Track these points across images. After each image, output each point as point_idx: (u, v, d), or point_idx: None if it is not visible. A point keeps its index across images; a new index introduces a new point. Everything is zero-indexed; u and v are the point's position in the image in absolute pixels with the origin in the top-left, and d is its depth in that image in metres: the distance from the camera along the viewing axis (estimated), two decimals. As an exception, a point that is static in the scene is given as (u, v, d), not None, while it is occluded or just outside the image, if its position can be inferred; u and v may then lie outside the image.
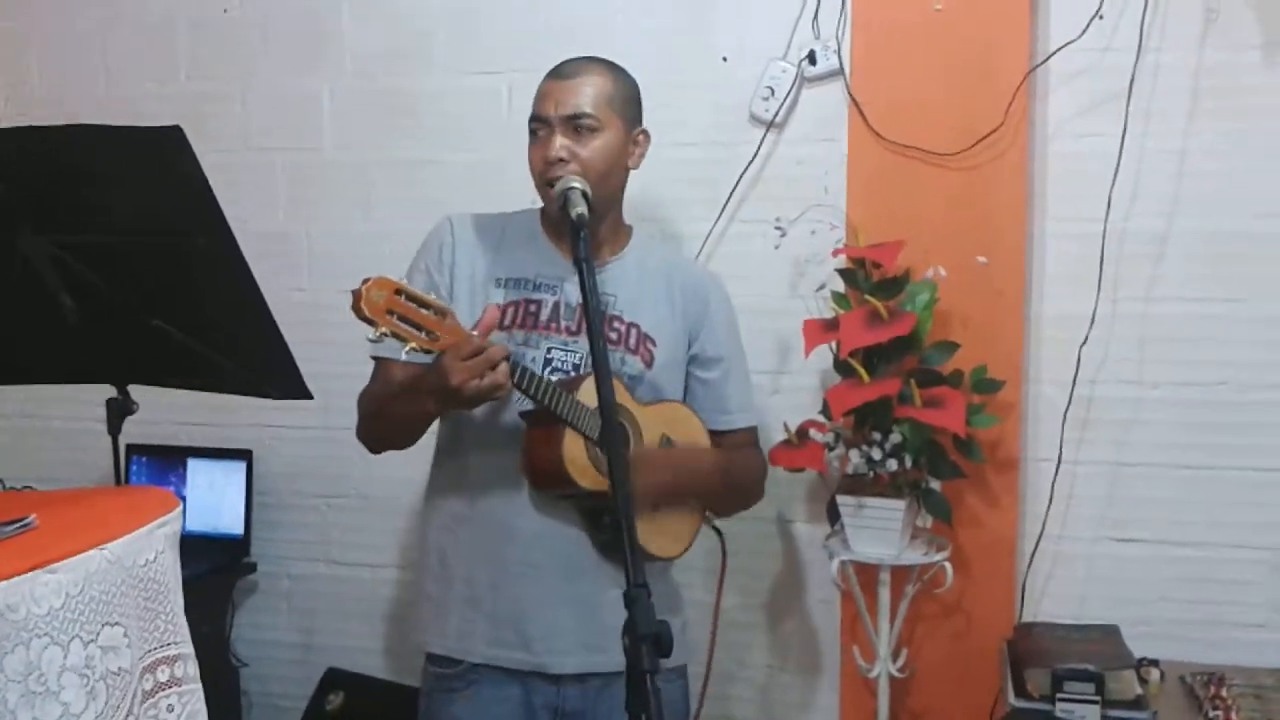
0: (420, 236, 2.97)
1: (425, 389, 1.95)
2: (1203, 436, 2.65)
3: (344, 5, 3.06)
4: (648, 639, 1.51)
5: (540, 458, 2.03)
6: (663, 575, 2.21)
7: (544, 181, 2.08)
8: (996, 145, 2.62)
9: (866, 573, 2.59)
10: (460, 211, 2.25)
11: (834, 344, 2.57)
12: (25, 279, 1.86)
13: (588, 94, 2.09)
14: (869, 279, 2.57)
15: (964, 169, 2.64)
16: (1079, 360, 2.66)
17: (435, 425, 2.18)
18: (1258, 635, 2.62)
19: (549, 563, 2.09)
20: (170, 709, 1.52)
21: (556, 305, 2.14)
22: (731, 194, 2.82)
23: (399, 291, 1.77)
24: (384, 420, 2.15)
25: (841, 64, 2.73)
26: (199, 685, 1.57)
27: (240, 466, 3.12)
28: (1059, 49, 2.64)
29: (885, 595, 2.56)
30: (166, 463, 3.17)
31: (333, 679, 3.10)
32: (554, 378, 2.07)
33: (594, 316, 1.78)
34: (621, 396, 2.07)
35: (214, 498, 3.13)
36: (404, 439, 2.17)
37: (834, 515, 2.59)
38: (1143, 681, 2.41)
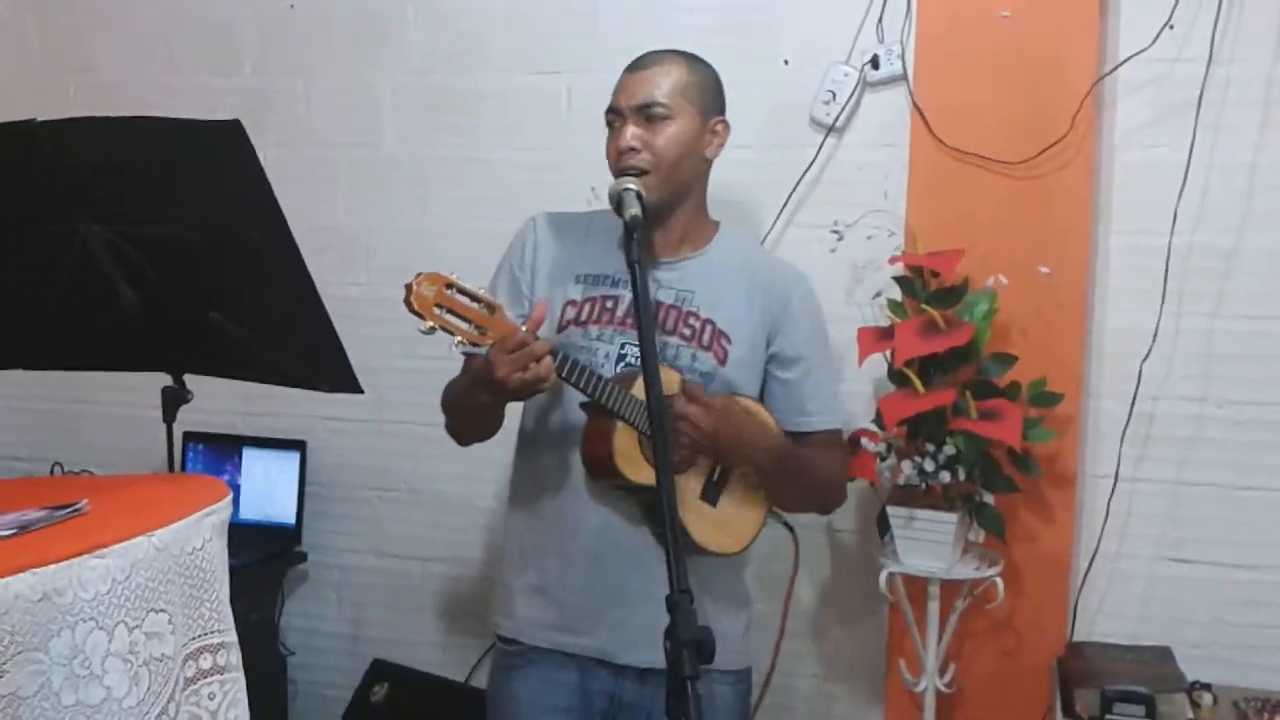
0: (475, 233, 3.01)
1: (478, 381, 1.98)
2: (1266, 457, 2.59)
3: (406, 4, 3.08)
4: (689, 644, 1.49)
5: (593, 449, 2.05)
6: (733, 571, 2.21)
7: (618, 172, 2.09)
8: (1062, 154, 2.58)
9: (916, 585, 2.55)
10: (545, 210, 2.27)
11: (889, 353, 2.54)
12: (85, 267, 1.90)
13: (660, 83, 2.10)
14: (926, 287, 2.54)
15: (1027, 178, 2.60)
16: (1140, 376, 2.61)
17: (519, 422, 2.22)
18: (1316, 662, 2.56)
19: (612, 556, 2.10)
20: (211, 696, 1.53)
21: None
22: (789, 197, 2.80)
23: (449, 286, 1.81)
24: (455, 412, 2.19)
25: (905, 69, 2.70)
26: (241, 674, 1.58)
27: (294, 457, 3.15)
28: (1128, 58, 2.59)
29: (934, 609, 2.52)
30: (222, 451, 3.20)
31: (379, 670, 3.12)
32: (634, 368, 2.08)
33: (645, 316, 1.78)
34: (674, 386, 2.05)
35: (267, 487, 3.16)
36: (475, 431, 2.21)
37: (884, 526, 2.56)
38: (1195, 705, 2.37)
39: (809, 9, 2.79)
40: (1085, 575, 2.67)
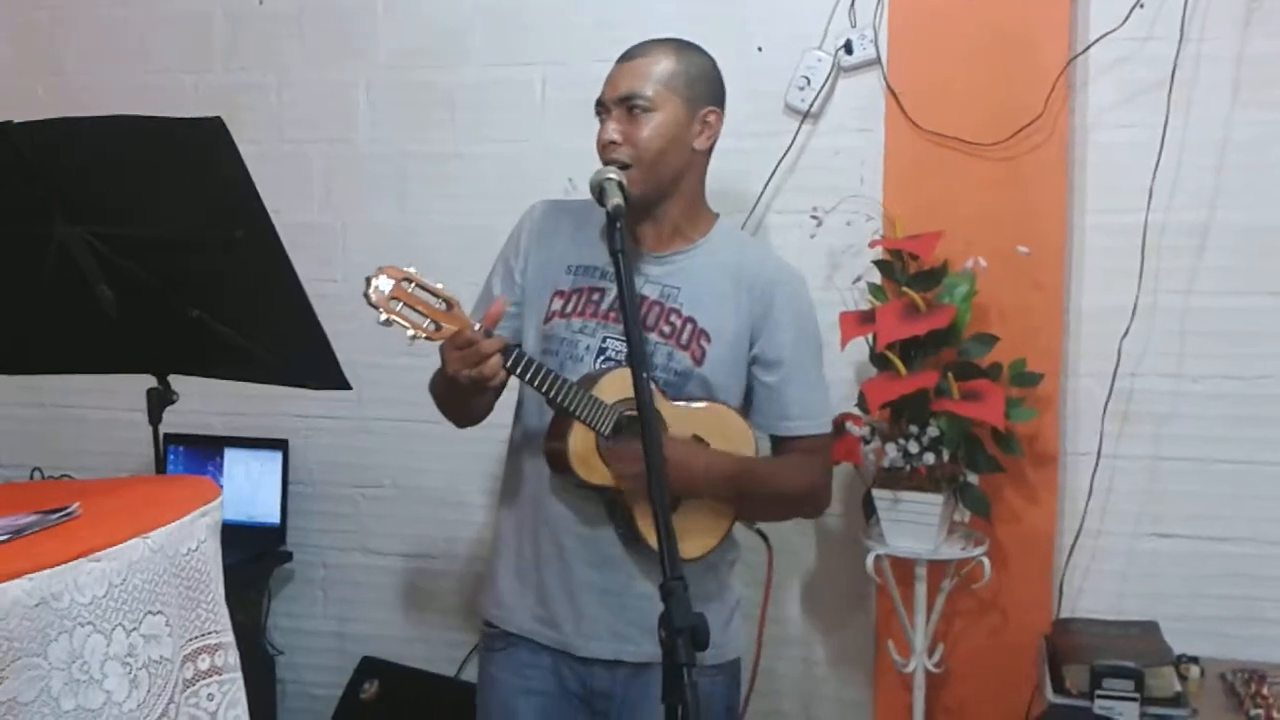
0: (453, 228, 3.00)
1: (440, 373, 2.01)
2: (1244, 430, 2.62)
3: (377, -2, 3.07)
4: (684, 632, 1.49)
5: (550, 445, 2.06)
6: (711, 567, 2.17)
7: (603, 163, 2.07)
8: (1035, 135, 2.60)
9: (902, 567, 2.57)
10: (545, 199, 2.27)
11: (870, 336, 2.55)
12: (63, 269, 1.88)
13: (645, 74, 2.07)
14: (906, 271, 2.56)
15: (1003, 159, 2.62)
16: (1119, 353, 2.64)
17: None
18: (1300, 632, 2.59)
19: (575, 548, 2.11)
20: (210, 697, 1.53)
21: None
22: (767, 185, 2.81)
23: (408, 280, 1.82)
24: (436, 398, 2.18)
25: (878, 53, 2.71)
26: (239, 674, 1.58)
27: (276, 456, 3.14)
28: (1099, 38, 2.61)
29: (921, 590, 2.54)
30: (203, 452, 3.19)
31: (367, 667, 3.11)
32: (606, 366, 2.07)
33: (630, 309, 1.76)
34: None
35: (250, 487, 3.15)
36: (458, 416, 2.19)
37: (870, 509, 2.58)
38: (1182, 678, 2.39)
39: (782, -5, 2.79)
40: (1070, 552, 2.70)
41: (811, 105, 2.77)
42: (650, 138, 2.05)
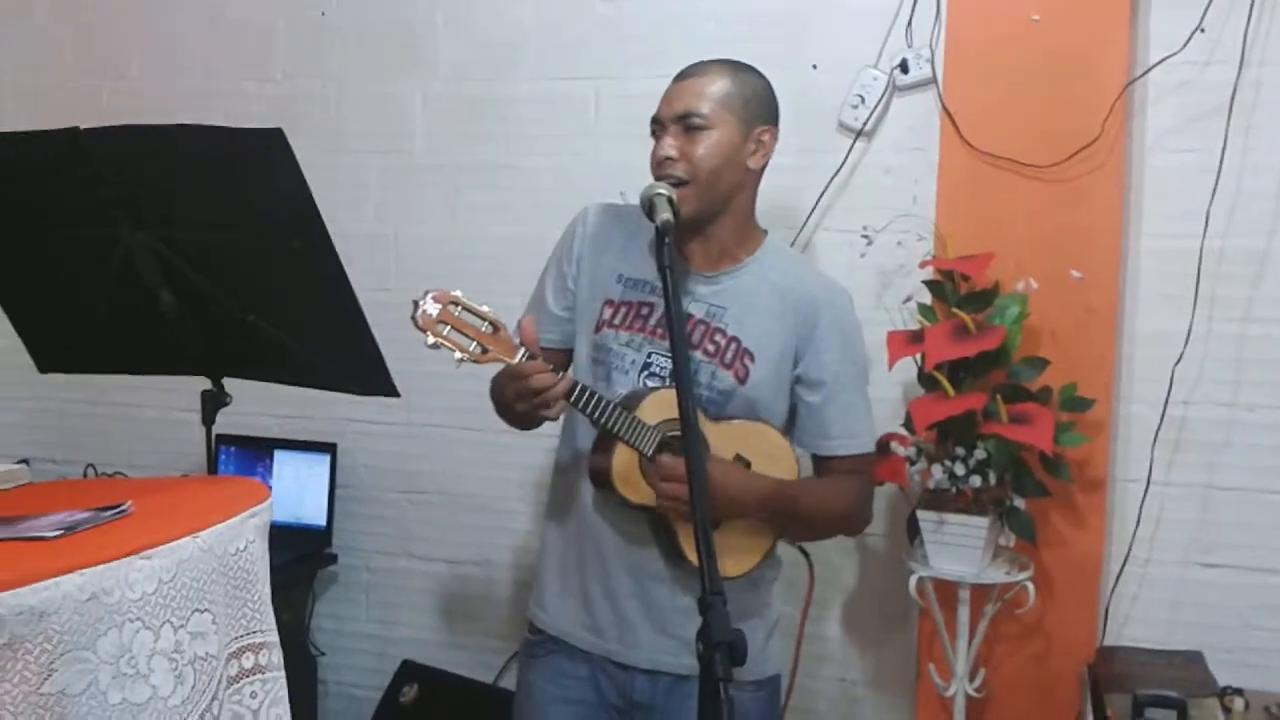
0: (504, 239, 3.03)
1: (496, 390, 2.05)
2: (1298, 462, 2.58)
3: (437, 12, 3.11)
4: (721, 647, 1.49)
5: (594, 464, 2.08)
6: (752, 587, 2.17)
7: (657, 180, 2.08)
8: (1092, 158, 2.58)
9: (946, 590, 2.55)
10: (601, 202, 2.27)
11: (919, 356, 2.54)
12: (126, 273, 1.92)
13: (701, 93, 2.08)
14: (957, 291, 2.54)
15: (1058, 181, 2.60)
16: (1172, 380, 2.60)
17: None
18: (1348, 667, 2.55)
19: (617, 560, 2.13)
20: (254, 695, 1.55)
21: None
22: (818, 202, 2.81)
23: (454, 303, 1.85)
24: (500, 408, 2.18)
25: (934, 73, 2.70)
26: (282, 673, 1.60)
27: (325, 459, 3.17)
28: (1159, 62, 2.59)
29: (964, 614, 2.52)
30: (254, 453, 3.23)
31: (408, 671, 3.14)
32: (650, 383, 2.09)
33: (677, 325, 1.77)
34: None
35: (298, 489, 3.19)
36: (521, 423, 2.18)
37: (914, 530, 2.56)
38: (1226, 710, 2.35)
39: (837, 14, 2.79)
40: (1116, 580, 2.66)
41: (865, 124, 2.76)
42: (706, 156, 2.06)
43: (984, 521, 2.45)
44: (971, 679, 2.56)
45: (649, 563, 2.12)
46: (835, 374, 2.15)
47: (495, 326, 1.89)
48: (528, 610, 2.28)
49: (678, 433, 1.98)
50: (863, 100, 2.76)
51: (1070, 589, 2.65)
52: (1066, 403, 2.51)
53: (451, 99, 3.11)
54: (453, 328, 1.84)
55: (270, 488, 3.03)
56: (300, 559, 3.11)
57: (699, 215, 2.08)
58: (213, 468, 2.29)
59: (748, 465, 2.12)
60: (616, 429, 1.99)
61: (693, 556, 2.03)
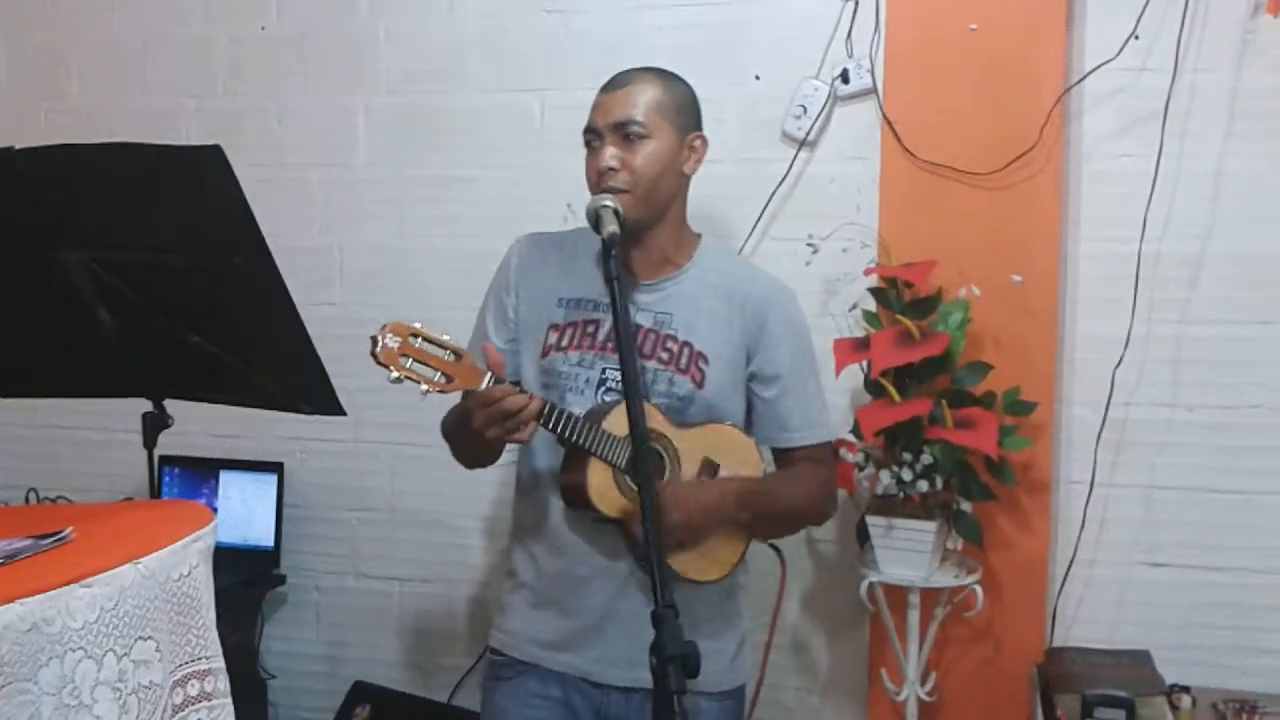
0: (450, 251, 3.02)
1: (461, 421, 2.00)
2: (1236, 460, 2.62)
3: (379, 24, 3.09)
4: (675, 660, 1.50)
5: (567, 481, 2.06)
6: (723, 594, 2.19)
7: (597, 192, 2.09)
8: (1030, 165, 2.61)
9: (896, 595, 2.57)
10: (531, 232, 2.28)
11: (865, 363, 2.56)
12: (64, 294, 1.90)
13: (636, 102, 2.09)
14: (901, 298, 2.57)
15: (997, 189, 2.63)
16: (1113, 382, 2.64)
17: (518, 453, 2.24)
18: (1292, 662, 2.59)
19: (596, 579, 2.12)
20: (200, 722, 1.53)
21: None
22: (763, 212, 2.82)
23: (414, 335, 1.82)
24: (457, 442, 2.20)
25: (875, 82, 2.73)
26: (229, 700, 1.58)
27: (271, 479, 3.14)
28: (1094, 69, 2.63)
29: (914, 618, 2.54)
30: (199, 474, 3.19)
31: (360, 692, 3.11)
32: (608, 398, 2.09)
33: (625, 339, 1.79)
34: (655, 419, 2.06)
35: (245, 510, 3.15)
36: (481, 457, 2.20)
37: (863, 536, 2.58)
38: (1174, 708, 2.39)
39: (779, 25, 2.81)
40: (1063, 581, 2.70)
41: (808, 133, 2.78)
42: (645, 164, 2.08)
43: (932, 526, 2.47)
44: (923, 683, 2.58)
45: (624, 576, 2.10)
46: (788, 367, 2.19)
47: (457, 354, 1.87)
48: (490, 636, 2.25)
49: (651, 445, 2.01)
50: (805, 110, 2.78)
51: (1018, 591, 2.68)
52: (1010, 407, 2.54)
53: (395, 111, 3.10)
54: (415, 359, 1.82)
55: (215, 510, 3.01)
56: (248, 580, 3.07)
57: (640, 223, 2.09)
58: (156, 490, 2.26)
59: (716, 468, 2.14)
60: (589, 445, 1.99)
61: (678, 565, 2.07)
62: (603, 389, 2.11)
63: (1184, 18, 2.59)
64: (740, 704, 2.27)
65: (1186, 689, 2.45)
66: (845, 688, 2.87)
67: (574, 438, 1.98)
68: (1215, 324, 2.63)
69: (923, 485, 2.44)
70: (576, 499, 2.05)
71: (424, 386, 1.83)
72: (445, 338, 1.86)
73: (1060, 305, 2.67)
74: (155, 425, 2.03)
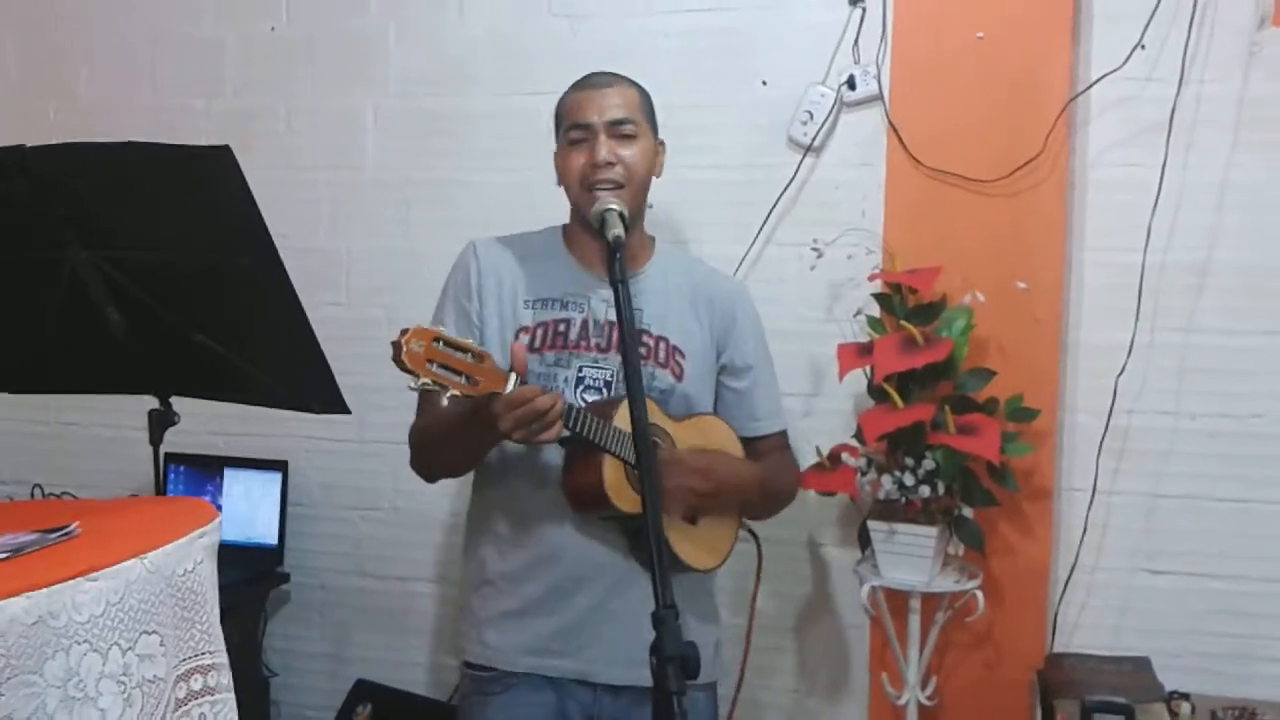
0: (457, 256, 3.02)
1: (478, 425, 1.97)
2: (1239, 469, 2.63)
3: (389, 27, 3.10)
4: (674, 660, 1.51)
5: (580, 483, 2.05)
6: (704, 587, 2.24)
7: (587, 186, 2.11)
8: (1036, 173, 2.62)
9: (897, 599, 2.58)
10: (483, 236, 2.29)
11: (868, 368, 2.57)
12: (73, 292, 1.91)
13: (623, 102, 2.14)
14: (905, 304, 2.58)
15: (1002, 196, 2.64)
16: (1116, 390, 2.65)
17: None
18: (1292, 670, 2.60)
19: (596, 578, 2.12)
20: (203, 717, 1.54)
21: (585, 323, 2.17)
22: (768, 216, 2.83)
23: (437, 339, 1.79)
24: (444, 451, 2.18)
25: (881, 89, 2.74)
26: (232, 695, 1.59)
27: (276, 477, 3.15)
28: (1100, 78, 2.64)
29: (915, 622, 2.55)
30: (203, 472, 3.20)
31: (362, 691, 3.11)
32: (588, 396, 2.09)
33: (630, 339, 1.79)
34: (654, 414, 2.09)
35: (249, 507, 3.16)
36: (464, 467, 2.22)
37: (865, 540, 2.59)
38: (1173, 715, 2.40)
39: (786, 31, 2.82)
40: (1064, 587, 2.70)
41: (814, 139, 2.79)
42: (636, 162, 2.14)
43: (933, 531, 2.47)
44: (923, 687, 2.59)
45: (627, 573, 2.10)
46: (756, 359, 2.29)
47: (480, 357, 1.85)
48: (465, 650, 2.23)
49: (654, 438, 2.03)
50: (811, 116, 2.79)
51: (1019, 597, 2.68)
52: (1013, 413, 2.55)
53: (404, 114, 3.11)
54: (439, 364, 1.79)
55: (219, 507, 3.03)
56: (252, 578, 3.08)
57: (628, 221, 2.10)
58: (161, 487, 2.28)
59: None
60: (604, 442, 1.99)
61: (681, 553, 2.11)
62: (581, 387, 2.13)
63: (1190, 28, 2.59)
64: (714, 699, 2.31)
65: (1186, 696, 2.46)
66: (846, 692, 2.88)
67: (592, 436, 1.98)
68: (1219, 333, 2.64)
69: (925, 490, 2.45)
70: (591, 500, 2.04)
71: (452, 390, 1.80)
72: (467, 341, 1.85)
73: (1064, 312, 2.68)
74: (161, 422, 2.05)
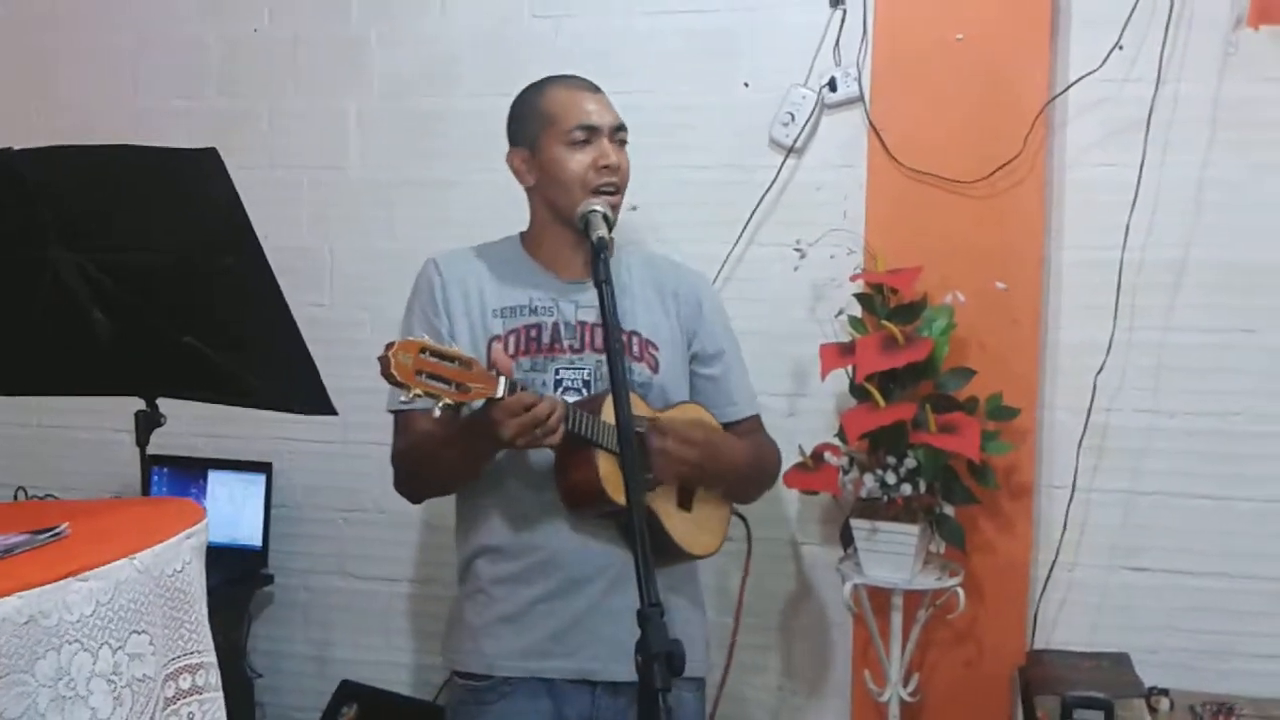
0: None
1: (477, 435, 1.96)
2: (1217, 466, 2.66)
3: (371, 28, 3.11)
4: (660, 657, 1.52)
5: (577, 480, 2.04)
6: (691, 574, 2.26)
7: (591, 189, 2.11)
8: (1015, 173, 2.65)
9: (879, 597, 2.60)
10: (441, 251, 2.28)
11: (850, 368, 2.59)
12: (57, 294, 1.92)
13: (613, 107, 2.18)
14: (886, 304, 2.60)
15: (982, 197, 2.67)
16: (1094, 388, 2.67)
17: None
18: (1268, 665, 2.63)
19: (594, 577, 2.12)
20: (191, 716, 1.54)
21: (555, 326, 2.17)
22: (751, 217, 2.85)
23: (424, 350, 1.77)
24: (437, 468, 2.14)
25: (862, 91, 2.76)
26: (220, 694, 1.59)
27: (260, 479, 3.15)
28: (1078, 79, 2.67)
29: (897, 620, 2.57)
30: (187, 474, 3.19)
31: (347, 691, 3.11)
32: (568, 398, 2.10)
33: (614, 337, 1.80)
34: (639, 406, 2.10)
35: (233, 509, 3.15)
36: (460, 482, 2.18)
37: (847, 539, 2.61)
38: (1152, 710, 2.42)
39: (768, 33, 2.84)
40: (1044, 584, 2.73)
41: (796, 141, 2.81)
42: (627, 167, 2.18)
43: (915, 529, 2.49)
44: (905, 684, 2.61)
45: (621, 567, 2.08)
46: (725, 345, 2.32)
47: (468, 364, 1.83)
48: (455, 659, 2.20)
49: (639, 429, 2.04)
50: (793, 118, 2.81)
51: (1000, 594, 2.71)
52: (993, 412, 2.57)
53: (387, 114, 3.11)
54: (428, 374, 1.77)
55: (205, 508, 3.02)
56: (236, 580, 3.07)
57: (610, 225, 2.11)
58: (145, 488, 2.27)
59: None
60: (598, 438, 1.99)
61: (679, 539, 2.13)
62: (560, 389, 2.13)
63: (1167, 29, 2.62)
64: (703, 693, 2.32)
65: (1165, 691, 2.48)
66: (829, 689, 2.90)
67: (587, 433, 1.98)
68: (1196, 331, 2.67)
69: (906, 489, 2.47)
70: (587, 496, 2.03)
71: (444, 400, 1.77)
72: (453, 349, 1.83)
73: (1043, 312, 2.71)
74: (148, 424, 2.05)
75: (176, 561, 1.53)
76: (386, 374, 1.73)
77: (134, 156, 1.81)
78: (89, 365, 2.01)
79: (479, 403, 1.88)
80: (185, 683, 1.54)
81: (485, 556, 2.19)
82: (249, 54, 3.19)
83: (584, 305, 2.18)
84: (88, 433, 3.28)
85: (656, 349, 2.21)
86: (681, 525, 2.15)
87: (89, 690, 1.33)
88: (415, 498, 2.28)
